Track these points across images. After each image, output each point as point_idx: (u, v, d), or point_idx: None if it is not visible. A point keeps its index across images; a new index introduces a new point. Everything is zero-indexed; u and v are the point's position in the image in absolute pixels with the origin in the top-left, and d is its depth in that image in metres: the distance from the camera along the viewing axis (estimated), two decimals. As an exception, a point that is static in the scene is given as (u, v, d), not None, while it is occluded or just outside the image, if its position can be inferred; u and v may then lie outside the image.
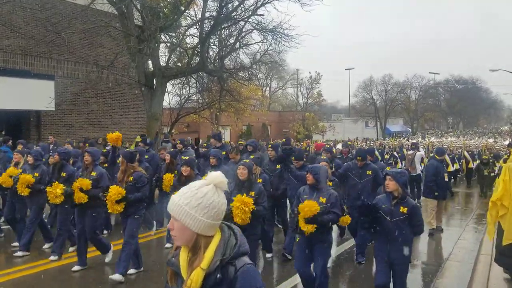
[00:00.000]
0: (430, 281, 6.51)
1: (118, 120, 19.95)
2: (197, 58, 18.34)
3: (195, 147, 9.81)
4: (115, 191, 5.96)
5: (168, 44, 20.36)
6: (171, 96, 27.98)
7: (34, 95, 15.39)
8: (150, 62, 18.06)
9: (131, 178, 6.22)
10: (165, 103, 21.68)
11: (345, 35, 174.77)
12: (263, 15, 17.48)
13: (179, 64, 21.55)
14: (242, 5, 17.28)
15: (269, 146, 8.67)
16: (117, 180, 6.36)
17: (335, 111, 73.77)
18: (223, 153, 8.49)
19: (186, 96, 24.85)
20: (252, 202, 5.27)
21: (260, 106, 37.23)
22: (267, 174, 7.58)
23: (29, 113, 16.76)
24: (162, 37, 18.72)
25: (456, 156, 18.87)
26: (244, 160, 6.14)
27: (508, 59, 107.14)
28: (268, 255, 7.56)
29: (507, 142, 25.11)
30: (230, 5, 17.26)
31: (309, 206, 4.90)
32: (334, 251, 7.57)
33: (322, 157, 8.24)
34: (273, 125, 44.40)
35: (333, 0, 23.13)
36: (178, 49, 20.06)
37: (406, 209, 4.62)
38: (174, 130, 23.11)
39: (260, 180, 6.66)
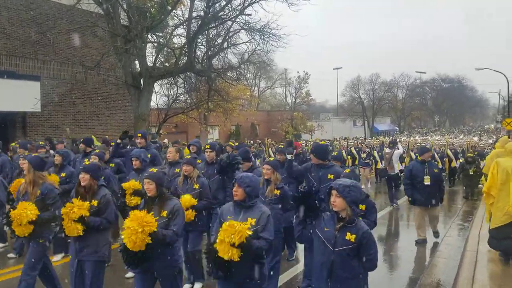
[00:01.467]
0: (417, 278, 6.57)
1: (105, 121, 19.81)
2: (184, 58, 18.31)
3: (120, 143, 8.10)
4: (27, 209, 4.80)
5: (155, 44, 20.29)
6: (159, 96, 27.92)
7: (19, 96, 15.21)
8: (137, 62, 17.98)
9: (38, 192, 5.04)
10: (152, 104, 21.62)
11: (333, 35, 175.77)
12: (250, 14, 17.53)
13: (166, 64, 21.48)
14: (229, 5, 17.31)
15: (207, 146, 6.96)
16: (19, 193, 5.16)
17: (323, 110, 74.11)
18: (149, 155, 7.10)
19: (174, 96, 24.79)
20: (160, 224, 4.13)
21: (248, 106, 37.25)
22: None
23: (14, 115, 16.55)
24: (149, 37, 18.65)
25: (439, 155, 17.84)
26: (151, 170, 4.56)
27: (494, 58, 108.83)
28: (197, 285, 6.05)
29: (491, 141, 25.16)
30: (217, 4, 17.27)
31: (238, 229, 3.63)
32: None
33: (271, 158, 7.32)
34: (262, 125, 44.43)
35: (321, 0, 23.31)
36: (165, 49, 19.99)
37: (354, 236, 3.41)
38: (162, 130, 23.02)
39: (196, 186, 5.76)
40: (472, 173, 14.37)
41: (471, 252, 7.26)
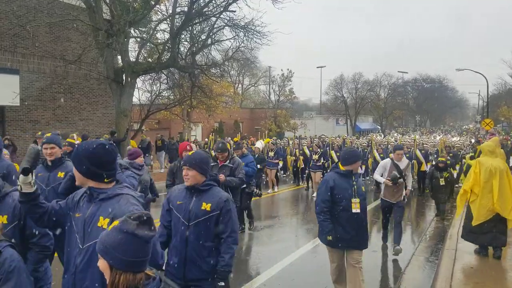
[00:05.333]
0: (397, 276, 6.64)
1: (86, 116, 19.52)
2: (168, 54, 18.15)
3: None
4: None
5: (138, 39, 20.06)
6: (141, 92, 27.58)
7: (-3, 90, 14.91)
8: (119, 57, 17.77)
9: None
10: (135, 99, 21.40)
11: (317, 35, 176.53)
12: (234, 11, 17.49)
13: (149, 59, 21.25)
14: (213, 1, 17.21)
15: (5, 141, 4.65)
16: None
17: (307, 108, 74.40)
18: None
19: (157, 92, 24.54)
20: None
21: (232, 103, 37.16)
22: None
23: (-8, 109, 16.20)
24: (132, 32, 18.42)
25: (407, 155, 13.65)
26: None
27: (474, 60, 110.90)
28: None
29: (472, 141, 23.98)
30: (201, 0, 17.17)
31: None
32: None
33: None
34: (245, 122, 44.40)
35: (305, -2, 23.45)
36: (148, 44, 19.78)
37: None
38: (144, 127, 22.79)
39: None
40: (443, 183, 11.04)
41: (449, 251, 7.37)
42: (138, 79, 18.92)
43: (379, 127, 61.33)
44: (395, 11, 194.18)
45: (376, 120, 65.32)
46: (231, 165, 6.94)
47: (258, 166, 13.43)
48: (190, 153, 3.70)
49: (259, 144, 15.70)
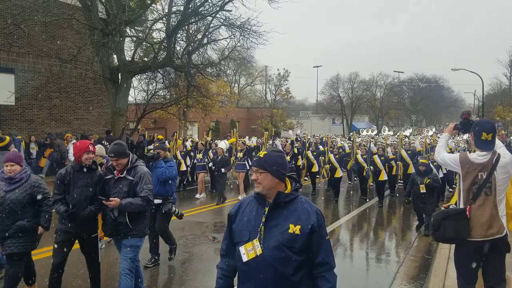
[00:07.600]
0: (393, 271, 6.67)
1: (82, 115, 19.48)
2: (163, 53, 18.13)
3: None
4: None
5: (134, 39, 20.04)
6: (137, 91, 27.52)
7: (-8, 89, 14.85)
8: (115, 56, 17.74)
9: None
10: (131, 99, 21.35)
11: (313, 34, 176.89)
12: (230, 11, 17.55)
13: (145, 59, 21.22)
14: (209, 0, 17.22)
15: None
16: None
17: (303, 108, 74.49)
18: None
19: (153, 92, 24.50)
20: None
21: (228, 103, 37.14)
22: None
23: (-13, 108, 16.14)
24: (128, 31, 18.39)
25: (394, 156, 13.72)
26: None
27: (470, 60, 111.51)
28: None
29: (464, 137, 21.24)
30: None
31: None
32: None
33: None
34: (242, 121, 44.40)
35: (301, -2, 23.49)
36: (144, 43, 19.76)
37: None
38: (140, 126, 22.75)
39: None
40: (424, 191, 9.20)
41: (443, 250, 7.40)
42: (134, 78, 18.90)
43: (375, 127, 61.52)
44: (391, 11, 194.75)
45: (372, 119, 65.48)
46: (130, 177, 4.53)
47: (223, 170, 12.30)
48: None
49: (223, 144, 13.68)
